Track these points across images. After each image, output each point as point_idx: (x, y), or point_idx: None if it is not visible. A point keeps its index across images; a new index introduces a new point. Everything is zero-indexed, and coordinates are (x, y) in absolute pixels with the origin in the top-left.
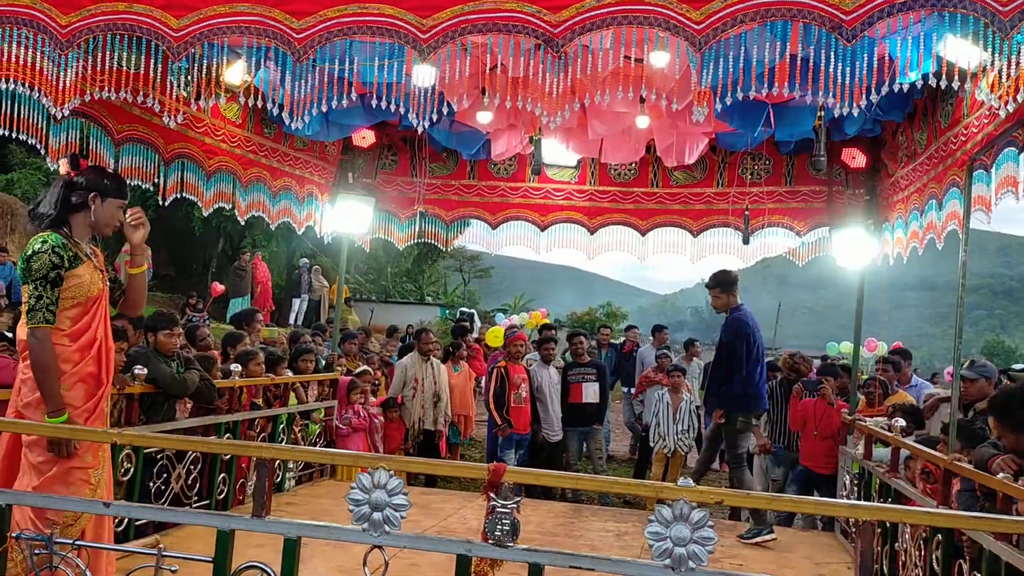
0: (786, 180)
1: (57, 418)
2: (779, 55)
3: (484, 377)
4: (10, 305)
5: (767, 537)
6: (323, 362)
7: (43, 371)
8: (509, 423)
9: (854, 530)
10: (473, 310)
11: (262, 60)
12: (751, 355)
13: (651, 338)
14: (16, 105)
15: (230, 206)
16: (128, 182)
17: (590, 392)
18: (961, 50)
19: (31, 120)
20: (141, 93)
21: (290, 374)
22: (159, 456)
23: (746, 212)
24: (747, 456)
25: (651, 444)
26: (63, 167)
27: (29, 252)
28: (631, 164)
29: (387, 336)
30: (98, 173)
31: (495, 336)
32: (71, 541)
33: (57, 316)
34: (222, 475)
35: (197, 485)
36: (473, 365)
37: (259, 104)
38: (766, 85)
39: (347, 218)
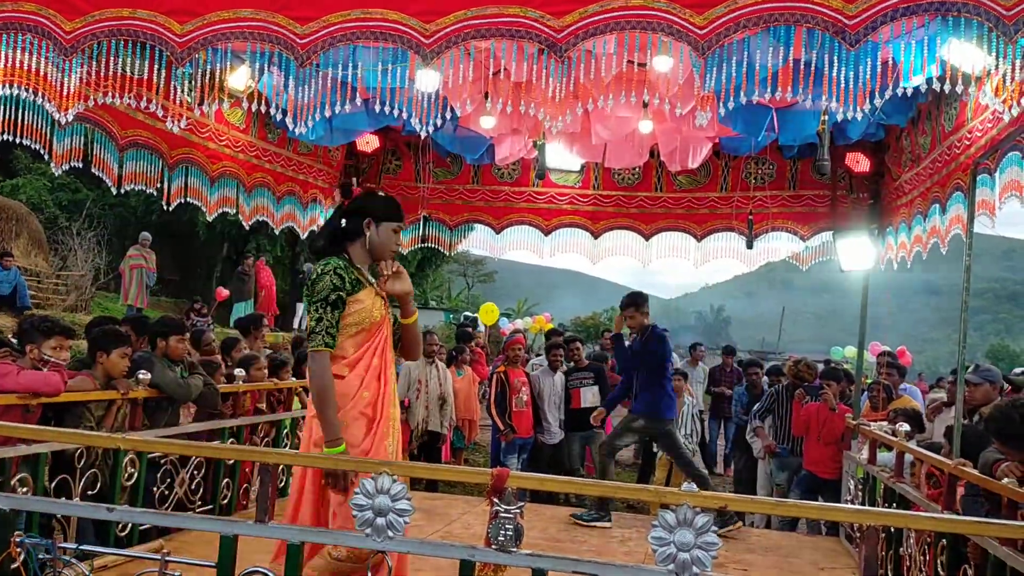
0: (790, 184)
1: (334, 448)
2: (782, 60)
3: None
4: (15, 311)
5: (605, 525)
6: None
7: (320, 396)
8: (512, 428)
9: (858, 535)
10: (477, 314)
11: (266, 65)
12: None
13: None
14: (20, 110)
15: (234, 211)
16: (135, 187)
17: (588, 396)
18: (965, 54)
19: (35, 125)
20: (145, 98)
21: (294, 379)
22: (163, 461)
23: (750, 216)
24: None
25: (654, 449)
26: (336, 196)
27: (313, 276)
28: (635, 168)
29: None
30: (370, 198)
31: (488, 312)
32: (74, 546)
33: (340, 342)
34: (226, 480)
35: (201, 490)
36: (476, 369)
37: (263, 109)
38: (769, 89)
39: None
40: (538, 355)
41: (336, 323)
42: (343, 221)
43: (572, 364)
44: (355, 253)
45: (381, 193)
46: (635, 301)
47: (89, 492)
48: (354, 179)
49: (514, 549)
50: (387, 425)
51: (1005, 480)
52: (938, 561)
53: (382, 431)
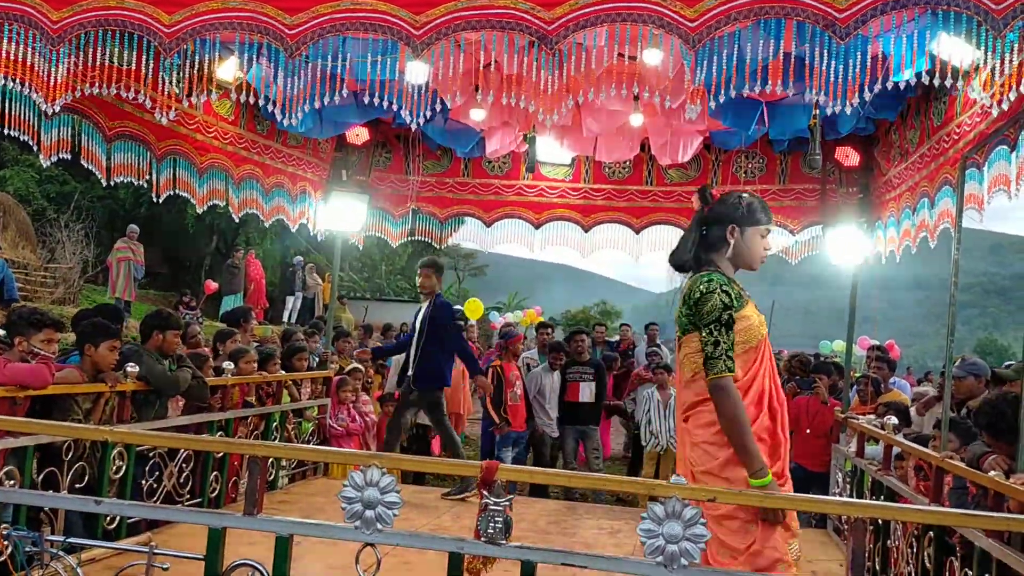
0: (780, 178)
1: (761, 480)
2: (772, 53)
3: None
4: (2, 303)
5: (469, 494)
6: (316, 359)
7: (735, 425)
8: (507, 421)
9: (846, 527)
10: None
11: (254, 56)
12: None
13: (644, 336)
14: (7, 101)
15: (223, 203)
16: (123, 179)
17: (586, 392)
18: (954, 48)
19: (22, 116)
20: (133, 89)
21: (283, 372)
22: (151, 454)
23: None
24: None
25: (643, 443)
26: (695, 202)
27: (696, 295)
28: (625, 162)
29: (382, 334)
30: (730, 200)
31: (473, 308)
32: (62, 539)
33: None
34: (214, 473)
35: (189, 483)
36: None
37: (252, 101)
38: (759, 83)
39: (341, 215)
40: (528, 349)
41: (731, 344)
42: (704, 230)
43: (571, 359)
44: (722, 265)
45: (744, 194)
46: (434, 263)
47: (77, 485)
48: (344, 171)
49: (503, 541)
50: (787, 450)
51: (992, 473)
52: (925, 553)
53: (784, 455)
